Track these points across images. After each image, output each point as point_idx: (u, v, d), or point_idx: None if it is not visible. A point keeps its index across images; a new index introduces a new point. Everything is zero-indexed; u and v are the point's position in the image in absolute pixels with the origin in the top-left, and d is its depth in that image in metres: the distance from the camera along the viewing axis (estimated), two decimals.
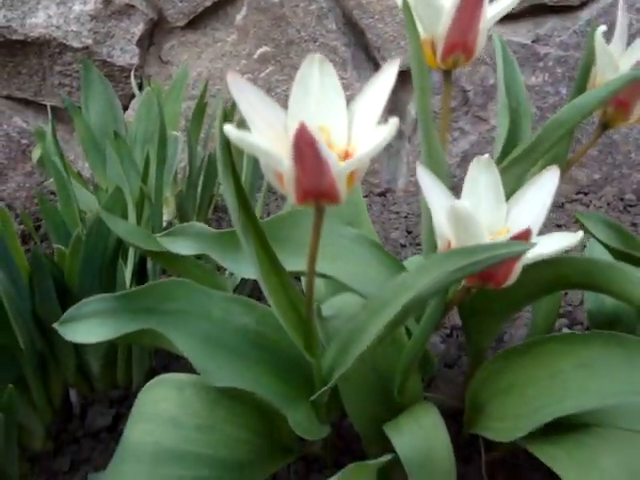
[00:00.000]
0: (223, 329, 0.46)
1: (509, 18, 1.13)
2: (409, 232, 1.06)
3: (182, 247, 0.47)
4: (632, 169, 1.21)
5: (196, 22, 1.16)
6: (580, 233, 0.35)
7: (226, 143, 0.34)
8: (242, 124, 0.32)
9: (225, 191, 0.35)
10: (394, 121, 0.27)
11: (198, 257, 0.53)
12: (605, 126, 0.46)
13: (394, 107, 1.21)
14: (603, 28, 0.45)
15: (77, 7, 1.11)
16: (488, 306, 0.52)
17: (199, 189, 0.93)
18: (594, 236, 0.51)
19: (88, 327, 0.41)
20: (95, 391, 0.67)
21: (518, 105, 0.50)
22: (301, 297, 0.42)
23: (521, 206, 0.38)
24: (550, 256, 0.36)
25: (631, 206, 1.18)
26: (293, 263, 0.46)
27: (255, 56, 1.17)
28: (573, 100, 0.41)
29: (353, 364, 0.45)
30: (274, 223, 0.48)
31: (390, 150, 1.23)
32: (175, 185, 0.97)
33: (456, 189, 0.41)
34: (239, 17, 1.14)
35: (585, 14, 1.12)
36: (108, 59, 1.13)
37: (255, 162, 0.81)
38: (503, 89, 0.51)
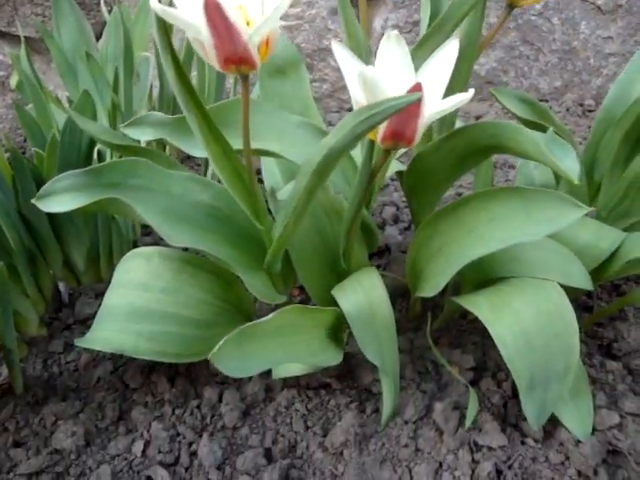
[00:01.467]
0: (182, 203, 0.52)
1: None
2: None
3: (143, 134, 0.53)
4: (591, 75, 1.25)
5: None
6: (472, 91, 0.41)
7: (162, 23, 0.39)
8: None
9: (165, 69, 0.41)
10: None
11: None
12: (511, 6, 0.51)
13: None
14: None
15: None
16: (423, 182, 0.59)
17: (171, 106, 0.98)
18: (507, 108, 0.56)
19: (61, 199, 0.47)
20: (82, 284, 0.74)
21: None
22: (245, 168, 0.48)
23: (428, 73, 0.44)
24: (446, 112, 0.42)
25: (590, 111, 1.23)
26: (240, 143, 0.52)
27: None
28: None
29: (299, 231, 0.52)
30: (222, 109, 0.53)
31: None
32: (150, 104, 1.02)
33: None
34: None
35: None
36: None
37: (219, 73, 0.86)
38: None
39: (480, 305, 0.53)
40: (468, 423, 0.55)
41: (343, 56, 0.43)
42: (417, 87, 0.38)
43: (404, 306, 0.74)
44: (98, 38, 1.21)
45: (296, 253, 0.57)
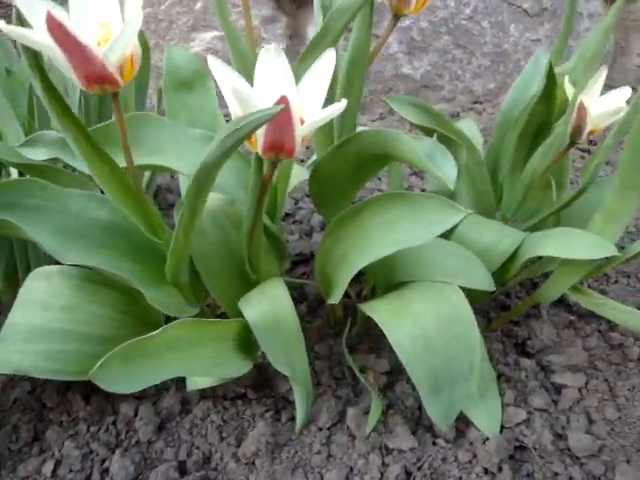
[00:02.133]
0: (79, 221, 0.52)
1: None
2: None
3: (37, 153, 0.53)
4: None
5: None
6: (344, 101, 0.42)
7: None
8: None
9: (35, 88, 0.41)
10: (137, 11, 0.33)
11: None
12: (396, 15, 0.52)
13: (294, 32, 1.25)
14: None
15: None
16: (326, 190, 0.59)
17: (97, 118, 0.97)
18: (401, 114, 0.57)
19: None
20: (2, 303, 0.73)
21: (331, 3, 0.56)
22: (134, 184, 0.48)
23: (307, 85, 0.45)
24: (324, 121, 0.42)
25: None
26: (147, 159, 0.52)
27: None
28: None
29: (204, 243, 0.53)
30: (114, 127, 0.53)
31: None
32: (80, 117, 1.01)
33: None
34: None
35: None
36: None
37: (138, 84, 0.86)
38: None
39: (380, 310, 0.54)
40: (369, 429, 0.55)
41: (218, 70, 0.43)
42: (282, 99, 0.39)
43: (325, 312, 0.74)
44: None
45: (202, 265, 0.57)
